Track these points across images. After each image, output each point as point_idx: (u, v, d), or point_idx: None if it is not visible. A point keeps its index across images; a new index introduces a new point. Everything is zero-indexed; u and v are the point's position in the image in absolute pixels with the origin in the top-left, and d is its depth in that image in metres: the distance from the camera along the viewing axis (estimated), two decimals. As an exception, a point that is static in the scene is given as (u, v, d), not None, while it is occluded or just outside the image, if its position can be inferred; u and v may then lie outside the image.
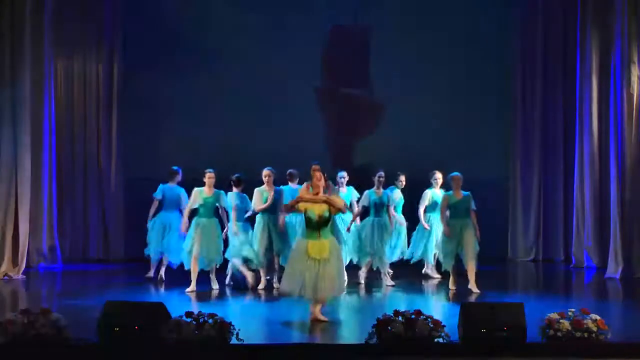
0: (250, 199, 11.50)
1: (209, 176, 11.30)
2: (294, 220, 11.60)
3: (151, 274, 12.23)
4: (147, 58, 14.83)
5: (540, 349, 7.63)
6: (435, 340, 7.59)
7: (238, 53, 14.88)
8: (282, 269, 11.36)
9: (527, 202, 14.86)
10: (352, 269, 11.89)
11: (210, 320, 7.59)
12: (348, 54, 15.25)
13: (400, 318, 7.63)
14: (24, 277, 12.37)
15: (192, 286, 10.98)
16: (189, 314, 7.67)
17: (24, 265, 12.54)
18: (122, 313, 7.75)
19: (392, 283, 11.77)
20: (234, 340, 7.58)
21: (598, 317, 7.71)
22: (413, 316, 7.65)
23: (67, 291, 11.61)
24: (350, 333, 8.69)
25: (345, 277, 9.98)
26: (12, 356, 7.50)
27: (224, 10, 14.93)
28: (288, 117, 14.87)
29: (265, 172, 11.59)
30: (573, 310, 7.81)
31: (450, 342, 7.61)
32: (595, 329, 7.61)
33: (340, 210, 9.33)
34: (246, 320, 8.98)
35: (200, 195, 11.20)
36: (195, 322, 7.58)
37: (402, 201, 12.44)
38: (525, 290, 12.16)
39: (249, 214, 11.51)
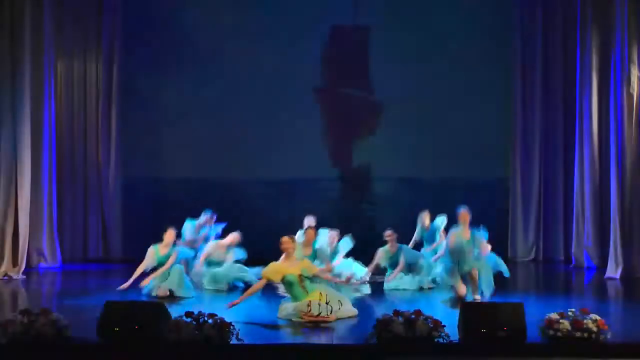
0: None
1: (169, 234, 10.94)
2: None
3: None
4: (147, 58, 14.85)
5: (540, 349, 7.63)
6: (435, 340, 7.59)
7: (238, 53, 14.89)
8: None
9: (527, 202, 14.86)
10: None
11: (210, 320, 7.60)
12: (348, 54, 15.25)
13: (400, 318, 7.64)
14: (24, 277, 12.38)
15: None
16: (189, 314, 7.67)
17: (24, 265, 12.56)
18: (122, 313, 7.75)
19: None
20: (234, 340, 7.58)
21: (598, 317, 7.71)
22: (413, 316, 7.65)
23: (67, 291, 11.61)
24: (350, 333, 8.68)
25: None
26: (12, 356, 7.50)
27: (223, 10, 14.94)
28: (288, 116, 14.88)
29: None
30: (573, 310, 7.80)
31: (450, 342, 7.61)
32: (595, 329, 7.60)
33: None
34: (246, 320, 8.98)
35: (155, 254, 10.84)
36: (195, 322, 7.59)
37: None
38: (525, 290, 12.15)
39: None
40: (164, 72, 14.86)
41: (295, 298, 9.28)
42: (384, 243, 11.86)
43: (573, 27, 14.02)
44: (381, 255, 11.72)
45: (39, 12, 12.89)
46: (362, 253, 11.90)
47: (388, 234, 11.73)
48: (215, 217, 12.33)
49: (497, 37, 14.99)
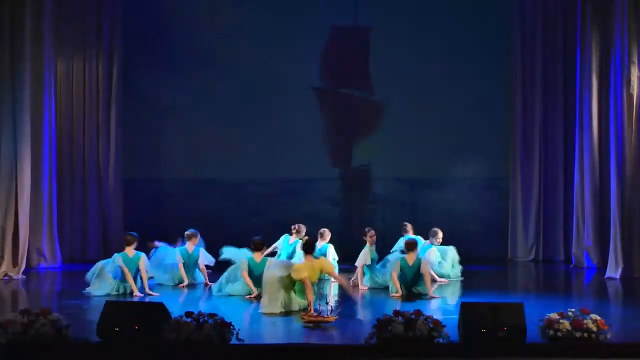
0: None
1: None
2: None
3: None
4: (147, 58, 14.86)
5: (540, 349, 7.64)
6: (435, 340, 7.59)
7: (238, 53, 14.90)
8: None
9: (527, 202, 14.85)
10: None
11: (210, 320, 7.60)
12: (348, 54, 15.26)
13: (400, 318, 7.64)
14: (24, 277, 12.38)
15: None
16: (189, 314, 7.68)
17: (24, 265, 12.56)
18: (122, 313, 7.76)
19: None
20: (234, 340, 7.58)
21: (598, 317, 7.71)
22: (413, 316, 7.65)
23: (67, 291, 11.61)
24: (350, 333, 8.68)
25: None
26: (12, 356, 7.51)
27: (223, 10, 14.94)
28: (288, 116, 14.89)
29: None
30: (573, 310, 7.81)
31: (450, 342, 7.61)
32: (595, 329, 7.61)
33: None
34: (246, 320, 8.98)
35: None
36: (195, 322, 7.59)
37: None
38: (525, 290, 12.16)
39: None
40: (164, 71, 14.87)
41: (300, 294, 9.62)
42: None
43: (573, 27, 14.02)
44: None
45: (39, 12, 12.88)
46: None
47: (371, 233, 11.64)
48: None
49: (498, 37, 14.99)
